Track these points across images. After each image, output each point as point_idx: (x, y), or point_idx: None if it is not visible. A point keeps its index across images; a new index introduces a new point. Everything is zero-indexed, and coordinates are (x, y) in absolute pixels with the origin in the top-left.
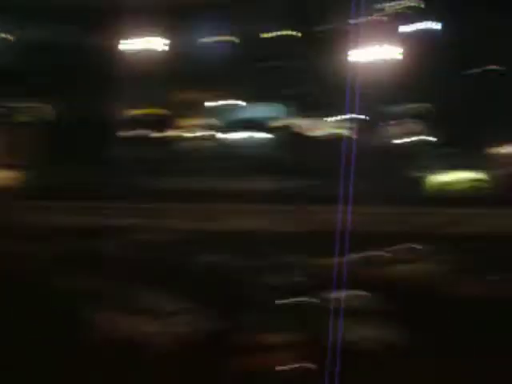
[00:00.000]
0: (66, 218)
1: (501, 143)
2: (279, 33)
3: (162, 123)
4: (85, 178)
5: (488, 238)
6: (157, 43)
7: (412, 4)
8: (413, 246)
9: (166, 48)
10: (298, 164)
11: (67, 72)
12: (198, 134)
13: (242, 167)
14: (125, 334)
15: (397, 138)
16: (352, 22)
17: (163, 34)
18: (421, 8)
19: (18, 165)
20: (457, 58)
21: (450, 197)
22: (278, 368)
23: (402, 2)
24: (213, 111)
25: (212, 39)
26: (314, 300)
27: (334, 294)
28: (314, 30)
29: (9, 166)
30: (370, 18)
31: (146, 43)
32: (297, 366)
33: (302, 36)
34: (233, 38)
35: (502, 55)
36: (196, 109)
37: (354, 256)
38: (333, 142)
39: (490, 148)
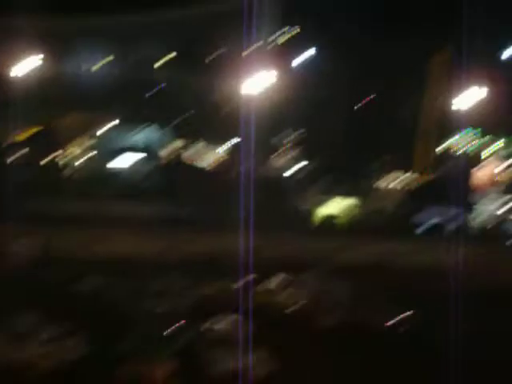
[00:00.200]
0: None
1: (384, 173)
2: (168, 59)
3: (47, 147)
4: None
5: (367, 269)
6: (43, 67)
7: (292, 33)
8: (287, 274)
9: (52, 72)
10: (181, 190)
11: None
12: (83, 157)
13: (126, 192)
14: (2, 359)
15: (280, 167)
16: (237, 50)
17: (50, 58)
18: (303, 38)
19: None
20: (340, 88)
21: (332, 226)
22: None
23: (284, 33)
24: (98, 135)
25: (98, 64)
26: (195, 327)
27: (213, 321)
28: (203, 56)
29: None
30: (254, 47)
31: (31, 67)
32: None
33: (191, 63)
34: (120, 63)
35: (382, 85)
36: (82, 133)
37: (231, 282)
38: (216, 169)
39: (373, 178)
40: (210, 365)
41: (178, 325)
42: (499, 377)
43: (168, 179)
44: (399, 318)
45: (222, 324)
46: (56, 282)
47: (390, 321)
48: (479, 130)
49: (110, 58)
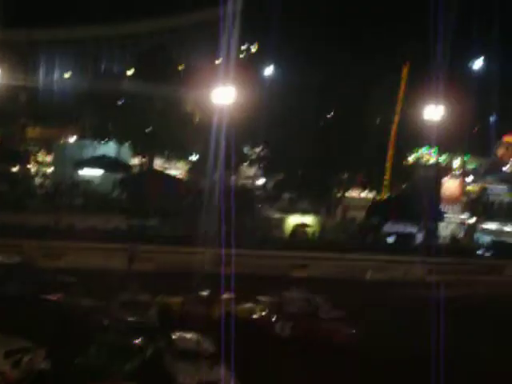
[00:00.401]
0: None
1: (345, 187)
2: (134, 71)
3: (12, 159)
4: None
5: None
6: (6, 78)
7: (259, 48)
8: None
9: (19, 84)
10: (146, 203)
11: None
12: (48, 170)
13: (94, 205)
14: None
15: (245, 181)
16: (203, 63)
17: (12, 70)
18: (270, 53)
19: None
20: (302, 102)
21: (301, 237)
22: None
23: (251, 47)
24: (63, 148)
25: (64, 76)
26: (160, 342)
27: (176, 336)
28: (168, 69)
29: None
30: (220, 61)
31: (2, 78)
32: None
33: (159, 75)
34: (85, 76)
35: (349, 101)
36: (46, 145)
37: (193, 296)
38: (184, 182)
39: (334, 192)
40: (176, 377)
41: (143, 337)
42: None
43: (135, 191)
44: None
45: (187, 336)
46: (19, 294)
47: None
48: (442, 145)
49: (74, 71)
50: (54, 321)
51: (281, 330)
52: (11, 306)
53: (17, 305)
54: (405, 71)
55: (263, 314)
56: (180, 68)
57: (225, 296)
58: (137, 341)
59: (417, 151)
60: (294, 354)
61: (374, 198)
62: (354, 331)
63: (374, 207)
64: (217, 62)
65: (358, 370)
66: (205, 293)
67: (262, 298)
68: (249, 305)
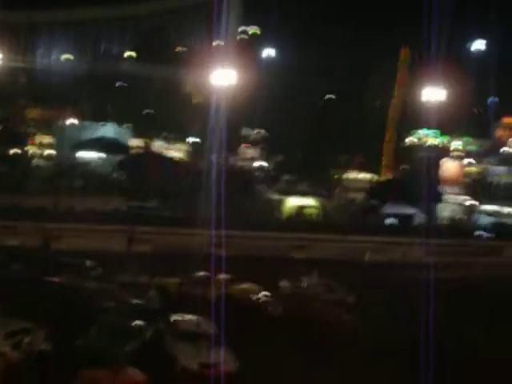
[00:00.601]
0: None
1: (344, 169)
2: (133, 53)
3: (11, 140)
4: None
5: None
6: (6, 60)
7: (258, 31)
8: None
9: (24, 65)
10: (146, 185)
11: None
12: (47, 151)
13: (94, 186)
14: None
15: (244, 162)
16: (202, 46)
17: (12, 51)
18: (268, 35)
19: None
20: (301, 85)
21: (301, 219)
22: None
23: (248, 29)
24: (63, 130)
25: (62, 58)
26: (159, 323)
27: (176, 318)
28: (167, 51)
29: None
30: (218, 43)
31: (2, 59)
32: None
33: (158, 57)
34: (91, 58)
35: (348, 84)
36: (46, 127)
37: (191, 277)
38: (183, 164)
39: (342, 174)
40: (176, 359)
41: (143, 319)
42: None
43: (134, 172)
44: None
45: (187, 317)
46: (20, 277)
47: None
48: (443, 127)
49: (73, 52)
50: (55, 303)
51: (273, 310)
52: (12, 287)
53: (18, 287)
54: (404, 53)
55: (259, 295)
56: (179, 50)
57: (221, 277)
58: (137, 322)
59: (416, 133)
60: (285, 335)
61: (374, 180)
62: (351, 317)
63: (373, 189)
64: (215, 43)
65: (348, 350)
66: (202, 274)
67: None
68: (245, 285)
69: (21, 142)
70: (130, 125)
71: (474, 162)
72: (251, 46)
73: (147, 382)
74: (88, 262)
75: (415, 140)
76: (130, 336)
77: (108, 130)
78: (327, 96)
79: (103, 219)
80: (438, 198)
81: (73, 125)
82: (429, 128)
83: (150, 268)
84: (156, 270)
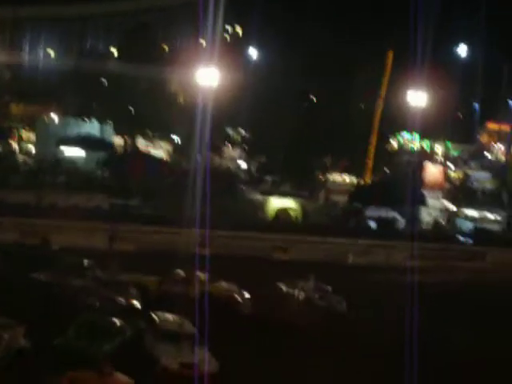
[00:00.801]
0: None
1: (328, 171)
2: (119, 50)
3: (1, 135)
4: None
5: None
6: None
7: (242, 31)
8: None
9: (3, 60)
10: (129, 183)
11: None
12: (30, 147)
13: (76, 183)
14: None
15: (228, 162)
16: (186, 46)
17: (4, 47)
18: (253, 36)
19: None
20: (285, 86)
21: (284, 220)
22: None
23: (232, 29)
24: (46, 126)
25: (47, 54)
26: (140, 322)
27: (157, 317)
28: (157, 48)
29: None
30: (203, 43)
31: None
32: None
33: (143, 55)
34: (76, 55)
35: (332, 85)
36: (29, 123)
37: (170, 275)
38: (167, 163)
39: (324, 176)
40: (157, 359)
41: (123, 318)
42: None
43: (119, 170)
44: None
45: (168, 317)
46: (6, 273)
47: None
48: (425, 131)
49: (58, 48)
50: (40, 300)
51: (244, 308)
52: None
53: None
54: (389, 56)
55: (236, 293)
56: (164, 48)
57: (200, 275)
58: (117, 321)
59: (399, 136)
60: (256, 333)
61: (357, 183)
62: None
63: (357, 191)
64: (201, 42)
65: (316, 351)
66: (182, 272)
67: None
68: (225, 285)
69: (4, 136)
70: (114, 122)
71: (456, 167)
72: (236, 46)
73: None
74: (73, 259)
75: (399, 144)
76: (108, 335)
77: (92, 127)
78: (312, 97)
79: (85, 216)
80: (420, 201)
81: (57, 121)
82: (412, 132)
83: (132, 266)
84: (138, 268)
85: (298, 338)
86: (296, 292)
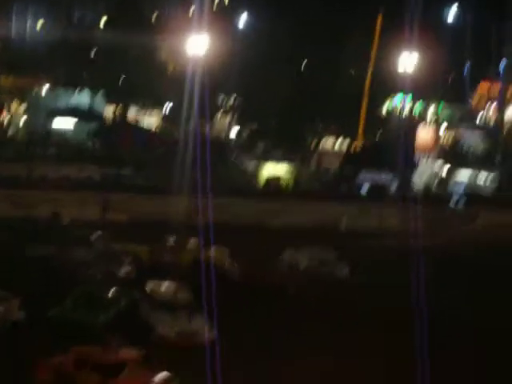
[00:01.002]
0: None
1: (325, 136)
2: (108, 19)
3: None
4: None
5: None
6: None
7: None
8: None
9: None
10: (119, 153)
11: None
12: (24, 119)
13: (67, 154)
14: None
15: (219, 130)
16: (177, 12)
17: None
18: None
19: None
20: (275, 52)
21: (275, 187)
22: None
23: None
24: (35, 97)
25: (35, 24)
26: (134, 291)
27: (151, 286)
28: (146, 17)
29: None
30: (195, 8)
31: None
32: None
33: (132, 24)
34: (63, 24)
35: (322, 49)
36: (19, 95)
37: (162, 244)
38: (160, 132)
39: (308, 141)
40: (154, 328)
41: (117, 288)
42: None
43: (110, 141)
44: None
45: (163, 285)
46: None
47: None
48: (416, 93)
49: (47, 18)
50: (33, 272)
51: (232, 275)
52: None
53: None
54: (379, 19)
55: (226, 260)
56: (153, 16)
57: (192, 242)
58: (112, 291)
59: (391, 99)
60: (249, 300)
61: (348, 147)
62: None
63: (348, 156)
64: (190, 9)
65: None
66: (173, 240)
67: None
68: (215, 250)
69: None
70: (104, 92)
71: (448, 128)
72: (226, 11)
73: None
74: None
75: (391, 107)
76: (105, 305)
77: (82, 98)
78: (302, 62)
79: (77, 187)
80: (413, 164)
81: (47, 92)
82: (404, 95)
83: (125, 236)
84: (131, 238)
85: (294, 304)
86: (295, 259)
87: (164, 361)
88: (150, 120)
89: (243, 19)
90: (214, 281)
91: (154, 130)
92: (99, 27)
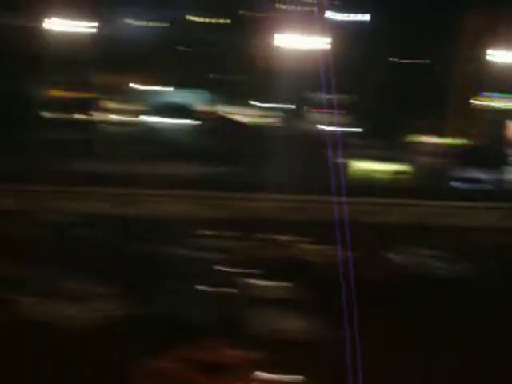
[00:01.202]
0: None
1: (423, 133)
2: (207, 19)
3: (87, 106)
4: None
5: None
6: (84, 25)
7: None
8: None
9: (93, 30)
10: (223, 151)
11: None
12: (123, 117)
13: (166, 152)
14: (47, 318)
15: (322, 127)
16: (279, 9)
17: (90, 16)
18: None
19: None
20: (382, 50)
21: (371, 187)
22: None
23: None
24: (139, 95)
25: (139, 23)
26: (235, 288)
27: (255, 283)
28: (241, 16)
29: None
30: (297, 6)
31: (72, 25)
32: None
33: (229, 22)
34: (160, 23)
35: (426, 49)
36: (122, 92)
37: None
38: (258, 129)
39: (412, 138)
40: (255, 325)
41: (220, 284)
42: None
43: (213, 139)
44: None
45: (264, 282)
46: (104, 242)
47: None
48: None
49: (154, 17)
50: (141, 269)
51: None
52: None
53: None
54: (471, 17)
55: (327, 255)
56: (251, 14)
57: (288, 238)
58: (215, 288)
59: (485, 96)
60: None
61: (448, 144)
62: None
63: (447, 153)
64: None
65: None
66: (271, 236)
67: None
68: (314, 246)
69: (98, 108)
70: (206, 91)
71: None
72: (337, 9)
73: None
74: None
75: (485, 103)
76: (206, 303)
77: (182, 96)
78: (399, 60)
79: (178, 185)
80: (508, 161)
81: (150, 90)
82: (497, 91)
83: (226, 233)
84: (232, 234)
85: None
86: (399, 256)
87: (273, 360)
88: (249, 117)
89: (353, 16)
90: (310, 276)
91: (253, 125)
92: (202, 26)
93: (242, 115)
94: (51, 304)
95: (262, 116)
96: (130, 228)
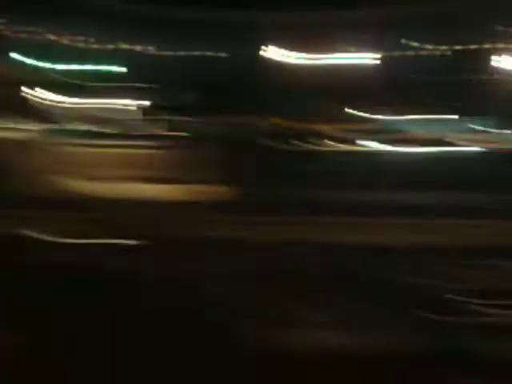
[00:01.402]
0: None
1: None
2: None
3: (316, 136)
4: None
5: None
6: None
7: None
8: None
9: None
10: (491, 177)
11: (219, 84)
12: (359, 146)
13: (411, 181)
14: (280, 347)
15: None
16: None
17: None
18: None
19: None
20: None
21: None
22: None
23: None
24: (377, 124)
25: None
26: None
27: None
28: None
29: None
30: None
31: (295, 56)
32: None
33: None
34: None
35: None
36: (356, 122)
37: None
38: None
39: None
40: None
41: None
42: None
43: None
44: None
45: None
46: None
47: None
48: None
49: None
50: (368, 296)
51: None
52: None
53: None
54: None
55: None
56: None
57: None
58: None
59: None
60: None
61: None
62: None
63: None
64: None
65: None
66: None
67: None
68: None
69: (328, 137)
70: (488, 117)
71: None
72: None
73: None
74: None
75: None
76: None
77: (445, 126)
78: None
79: (469, 215)
80: None
81: (390, 120)
82: None
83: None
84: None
85: None
86: None
87: None
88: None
89: None
90: None
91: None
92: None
93: None
94: (283, 333)
95: None
96: (372, 258)
